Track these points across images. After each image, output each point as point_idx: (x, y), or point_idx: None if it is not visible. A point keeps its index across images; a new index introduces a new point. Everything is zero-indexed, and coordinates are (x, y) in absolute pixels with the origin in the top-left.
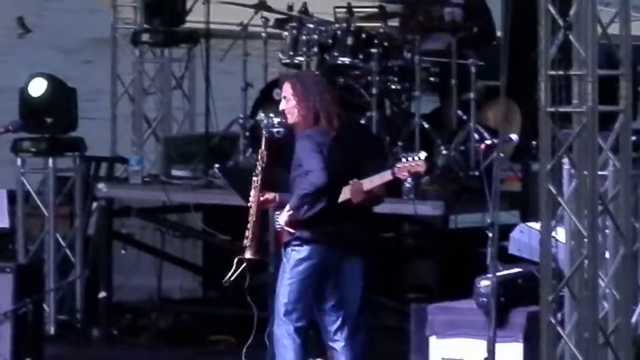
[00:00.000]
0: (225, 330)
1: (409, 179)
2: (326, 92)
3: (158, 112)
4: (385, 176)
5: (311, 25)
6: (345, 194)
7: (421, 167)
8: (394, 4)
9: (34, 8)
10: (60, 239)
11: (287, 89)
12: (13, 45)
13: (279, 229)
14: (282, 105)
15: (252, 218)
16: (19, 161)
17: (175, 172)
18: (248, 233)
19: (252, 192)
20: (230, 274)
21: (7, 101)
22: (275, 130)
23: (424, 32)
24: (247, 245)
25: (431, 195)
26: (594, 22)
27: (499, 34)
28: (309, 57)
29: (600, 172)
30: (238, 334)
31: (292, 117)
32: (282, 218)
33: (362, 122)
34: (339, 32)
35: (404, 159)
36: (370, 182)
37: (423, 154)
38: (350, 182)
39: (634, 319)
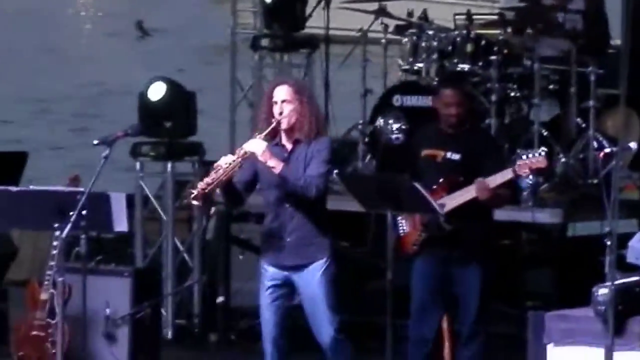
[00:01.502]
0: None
1: (530, 178)
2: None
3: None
4: (507, 174)
5: (431, 32)
6: (470, 192)
7: (542, 163)
8: (514, 11)
9: (153, 12)
10: (179, 244)
11: (288, 92)
12: (132, 49)
13: (402, 235)
14: (280, 109)
15: (222, 174)
16: (137, 165)
17: None
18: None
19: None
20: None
21: (126, 105)
22: (394, 136)
23: (543, 38)
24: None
25: (550, 203)
26: None
27: (616, 41)
28: (428, 63)
29: None
30: (356, 340)
31: (291, 121)
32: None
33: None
34: (458, 38)
35: (524, 156)
36: (494, 180)
37: (543, 150)
38: (476, 180)
39: None
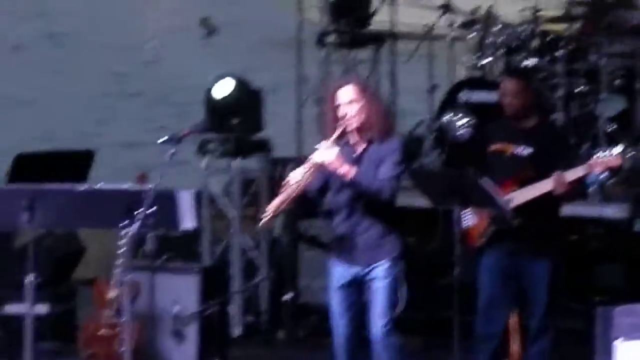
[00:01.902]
0: (413, 331)
1: (602, 176)
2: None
3: None
4: (582, 170)
5: (497, 28)
6: (546, 185)
7: (616, 162)
8: (580, 7)
9: (218, 8)
10: (246, 241)
11: (353, 92)
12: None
13: (468, 228)
14: (346, 111)
15: (292, 192)
16: (204, 162)
17: None
18: (281, 202)
19: (302, 170)
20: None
21: (194, 102)
22: (461, 131)
23: (610, 35)
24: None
25: (616, 197)
26: None
27: None
28: (494, 59)
29: None
30: (424, 336)
31: (360, 121)
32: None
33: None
34: (524, 34)
35: (599, 154)
36: (571, 175)
37: (619, 148)
38: (554, 174)
39: None
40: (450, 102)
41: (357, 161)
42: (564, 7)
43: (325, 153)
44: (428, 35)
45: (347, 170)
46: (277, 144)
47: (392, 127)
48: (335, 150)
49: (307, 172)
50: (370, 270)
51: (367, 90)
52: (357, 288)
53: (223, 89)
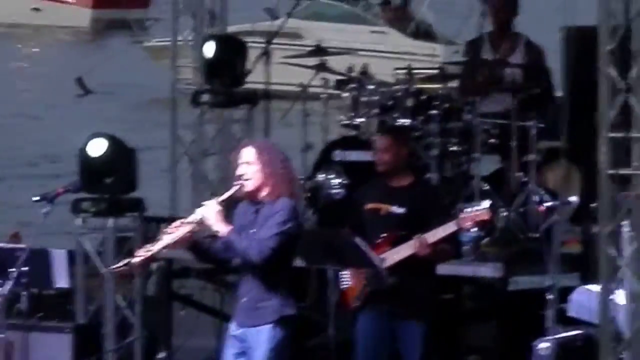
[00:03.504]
0: None
1: (472, 232)
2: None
3: (218, 172)
4: (450, 227)
5: (371, 87)
6: (409, 248)
7: (485, 216)
8: (454, 66)
9: (93, 68)
10: (120, 300)
11: (250, 154)
12: (72, 105)
13: (345, 289)
14: (243, 170)
15: (170, 239)
16: (78, 221)
17: None
18: (154, 248)
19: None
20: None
21: (67, 162)
22: (334, 191)
23: (484, 93)
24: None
25: (491, 257)
26: None
27: (558, 94)
28: (369, 118)
29: None
30: None
31: (254, 184)
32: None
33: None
34: (399, 93)
35: (467, 209)
36: (434, 235)
37: (487, 203)
38: (414, 237)
39: None
40: (324, 162)
41: (251, 222)
42: (439, 67)
43: (207, 208)
44: (302, 94)
45: (220, 228)
46: (151, 203)
47: (289, 192)
48: (216, 207)
49: (184, 224)
50: (251, 334)
51: (265, 153)
52: (243, 349)
53: (96, 148)
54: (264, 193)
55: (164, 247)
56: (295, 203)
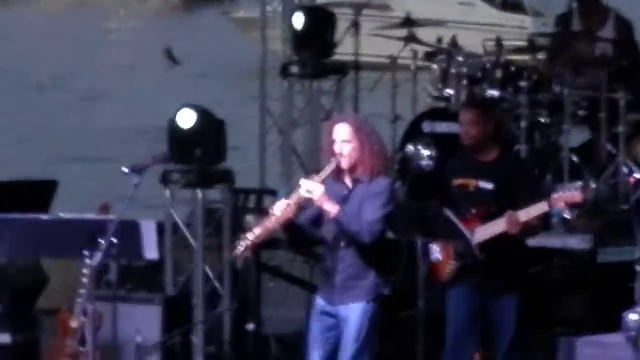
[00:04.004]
0: None
1: (567, 211)
2: (380, 137)
3: (306, 144)
4: (542, 207)
5: (460, 58)
6: (500, 225)
7: (578, 198)
8: (543, 38)
9: (181, 39)
10: (209, 271)
11: (347, 132)
12: (161, 77)
13: (434, 262)
14: (340, 149)
15: (274, 222)
16: (167, 193)
17: None
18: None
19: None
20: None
21: (157, 134)
22: (424, 163)
23: (573, 67)
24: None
25: (580, 228)
26: None
27: None
28: (457, 90)
29: None
30: None
31: (351, 161)
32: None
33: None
34: (487, 65)
35: (560, 190)
36: (527, 213)
37: (580, 184)
38: (506, 213)
39: None
40: (413, 133)
41: (344, 199)
42: (528, 38)
43: (312, 188)
44: (391, 65)
45: (331, 207)
46: (240, 175)
47: (384, 168)
48: (321, 186)
49: (292, 203)
50: (344, 311)
51: (362, 130)
52: (333, 325)
53: (186, 119)
54: (359, 170)
55: (270, 229)
56: (393, 181)
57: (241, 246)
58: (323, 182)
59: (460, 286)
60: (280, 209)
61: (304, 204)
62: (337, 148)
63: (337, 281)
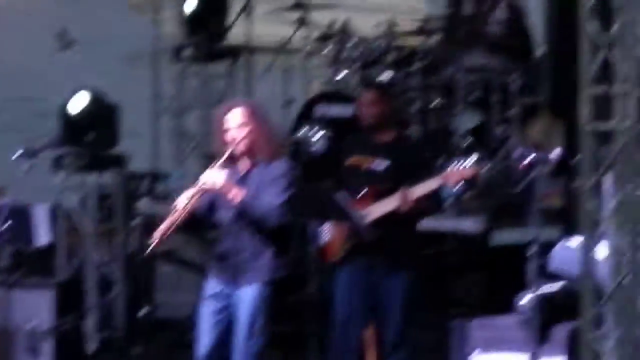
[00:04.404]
0: (271, 345)
1: (457, 188)
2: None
3: (200, 127)
4: (434, 182)
5: (353, 42)
6: (393, 202)
7: (472, 171)
8: (436, 20)
9: (74, 21)
10: (101, 256)
11: (243, 115)
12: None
13: (325, 243)
14: (235, 134)
15: (179, 215)
16: (59, 177)
17: None
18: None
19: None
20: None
21: (48, 117)
22: (316, 145)
23: (466, 48)
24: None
25: (473, 211)
26: (636, 39)
27: (540, 50)
28: (350, 73)
29: None
30: (280, 351)
31: (249, 144)
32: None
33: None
34: (380, 48)
35: (453, 164)
36: (420, 190)
37: (473, 159)
38: (400, 190)
39: None
40: (306, 116)
41: (240, 182)
42: (420, 21)
43: (214, 176)
44: (284, 49)
45: (236, 193)
46: (133, 158)
47: (280, 150)
48: (224, 173)
49: (194, 195)
50: (239, 293)
51: (257, 113)
52: (226, 307)
53: (78, 103)
54: (257, 153)
55: (177, 221)
56: (292, 164)
57: (152, 245)
58: (222, 169)
59: (351, 266)
60: (184, 201)
61: (208, 193)
62: (231, 134)
63: (234, 264)
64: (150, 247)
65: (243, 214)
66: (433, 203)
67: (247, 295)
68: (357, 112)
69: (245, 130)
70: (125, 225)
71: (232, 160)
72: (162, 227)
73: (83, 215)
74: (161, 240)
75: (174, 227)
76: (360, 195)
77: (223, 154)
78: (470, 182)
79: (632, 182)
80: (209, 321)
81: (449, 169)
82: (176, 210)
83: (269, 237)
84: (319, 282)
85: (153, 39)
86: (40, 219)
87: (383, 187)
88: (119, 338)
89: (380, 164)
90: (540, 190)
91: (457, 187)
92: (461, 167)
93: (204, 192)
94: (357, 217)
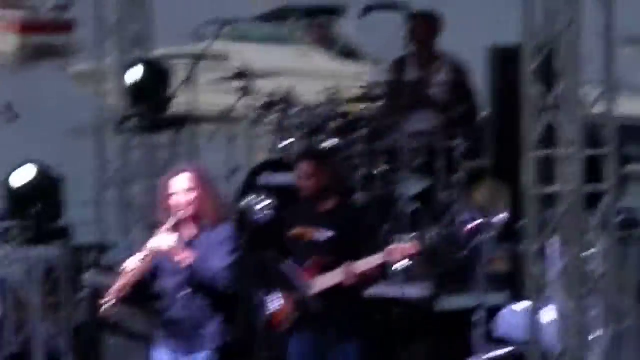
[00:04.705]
0: None
1: (402, 263)
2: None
3: (145, 198)
4: (377, 259)
5: (296, 109)
6: (337, 276)
7: (413, 249)
8: (380, 86)
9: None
10: (48, 329)
11: (189, 180)
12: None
13: (274, 312)
14: (182, 196)
15: (130, 278)
16: (4, 251)
17: None
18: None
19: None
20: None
21: None
22: (261, 215)
23: (409, 113)
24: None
25: (419, 277)
26: (579, 102)
27: (484, 113)
28: (294, 140)
29: (586, 252)
30: None
31: (195, 209)
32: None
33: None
34: (324, 115)
35: (396, 242)
36: (363, 265)
37: (415, 235)
38: (343, 265)
39: None
40: (250, 185)
41: (187, 248)
42: (363, 88)
43: (164, 240)
44: (228, 117)
45: (184, 257)
46: (78, 231)
47: (225, 214)
48: (174, 237)
49: (144, 258)
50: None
51: (203, 178)
52: None
53: (23, 176)
54: (204, 217)
55: (128, 283)
56: (235, 228)
57: (108, 305)
58: (170, 234)
59: (300, 336)
60: (134, 264)
61: (156, 257)
62: (177, 199)
63: (183, 331)
64: (106, 307)
65: (192, 277)
66: (378, 275)
67: None
68: (296, 183)
69: (191, 195)
70: (72, 297)
71: (176, 226)
72: (115, 288)
73: (29, 288)
74: (117, 301)
75: (127, 288)
76: (304, 266)
77: (168, 220)
78: (412, 258)
79: (577, 245)
80: None
81: (391, 247)
82: (127, 272)
83: (218, 304)
84: (268, 351)
85: (97, 111)
86: None
87: (327, 258)
88: None
89: (323, 234)
90: (486, 255)
91: (400, 264)
92: (403, 244)
93: (153, 255)
94: (302, 288)
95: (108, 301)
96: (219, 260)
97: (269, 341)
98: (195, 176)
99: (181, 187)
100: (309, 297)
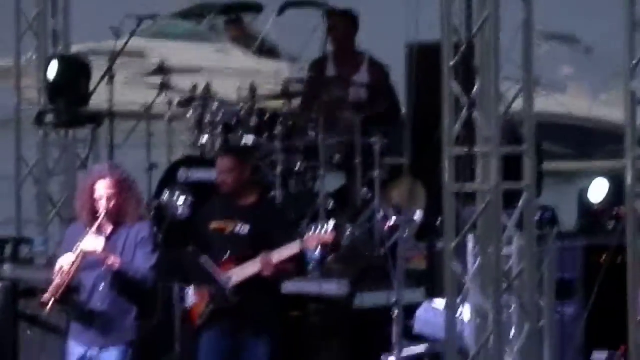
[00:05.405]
0: None
1: (317, 252)
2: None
3: (63, 193)
4: (294, 247)
5: (215, 106)
6: (254, 267)
7: (329, 238)
8: (298, 83)
9: None
10: None
11: (110, 185)
12: None
13: (190, 307)
14: (106, 202)
15: (66, 275)
16: None
17: None
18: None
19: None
20: None
21: None
22: (179, 210)
23: (328, 113)
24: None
25: (336, 274)
26: (498, 99)
27: (403, 111)
28: (213, 137)
29: (504, 250)
30: None
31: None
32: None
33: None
34: (242, 111)
35: (312, 230)
36: (280, 254)
37: (331, 224)
38: (259, 256)
39: None
40: (168, 181)
41: (106, 243)
42: (282, 85)
43: (93, 243)
44: (146, 114)
45: (114, 260)
46: None
47: (142, 214)
48: (102, 239)
49: (77, 259)
50: (103, 354)
51: (123, 179)
52: None
53: None
54: (125, 218)
55: (66, 281)
56: (152, 224)
57: (46, 304)
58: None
59: (213, 330)
60: (67, 262)
61: (86, 257)
62: (100, 200)
63: (98, 324)
64: (47, 308)
65: (120, 279)
66: (294, 267)
67: (112, 357)
68: (216, 178)
69: (112, 198)
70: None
71: (99, 226)
72: (52, 289)
73: None
74: (55, 301)
75: (63, 289)
76: (222, 259)
77: (89, 219)
78: (329, 247)
79: (494, 243)
80: None
81: (308, 234)
82: (61, 274)
83: (135, 299)
84: (184, 345)
85: (15, 106)
86: None
87: (245, 251)
88: None
89: (242, 228)
90: (404, 252)
91: (317, 252)
92: (320, 232)
93: (84, 256)
94: (221, 281)
95: (48, 300)
96: (143, 260)
97: (185, 335)
98: (115, 179)
99: (102, 188)
100: (227, 290)
